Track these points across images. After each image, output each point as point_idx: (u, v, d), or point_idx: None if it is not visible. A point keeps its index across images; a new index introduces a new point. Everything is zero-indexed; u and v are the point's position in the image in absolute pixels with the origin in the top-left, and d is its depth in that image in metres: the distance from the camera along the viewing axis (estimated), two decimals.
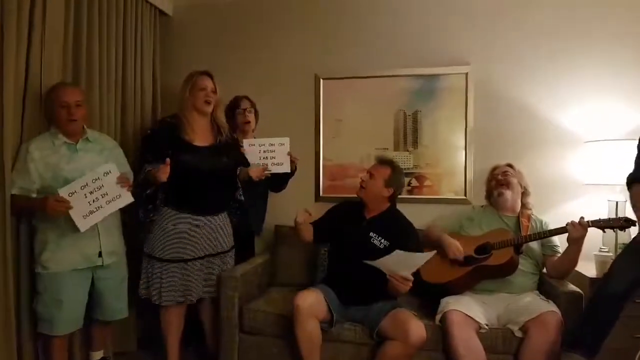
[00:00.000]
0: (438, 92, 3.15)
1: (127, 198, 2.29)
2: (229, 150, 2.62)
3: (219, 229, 2.61)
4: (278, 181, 2.93)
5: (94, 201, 2.19)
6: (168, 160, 2.36)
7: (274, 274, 3.08)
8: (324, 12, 3.29)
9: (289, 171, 2.82)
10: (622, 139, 2.69)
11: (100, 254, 2.35)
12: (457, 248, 2.55)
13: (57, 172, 2.22)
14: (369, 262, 2.25)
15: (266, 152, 2.78)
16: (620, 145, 2.63)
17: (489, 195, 2.78)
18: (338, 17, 3.27)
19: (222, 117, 2.69)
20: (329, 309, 2.36)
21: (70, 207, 2.12)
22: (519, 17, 3.04)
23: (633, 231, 2.26)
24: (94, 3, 2.71)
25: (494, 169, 2.76)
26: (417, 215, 2.99)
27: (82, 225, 2.17)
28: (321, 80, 3.28)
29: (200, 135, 2.57)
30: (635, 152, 2.19)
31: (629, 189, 2.13)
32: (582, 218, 2.36)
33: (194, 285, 2.55)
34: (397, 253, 2.21)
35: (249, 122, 2.98)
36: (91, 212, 2.19)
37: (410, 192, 3.20)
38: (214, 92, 2.57)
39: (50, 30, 2.38)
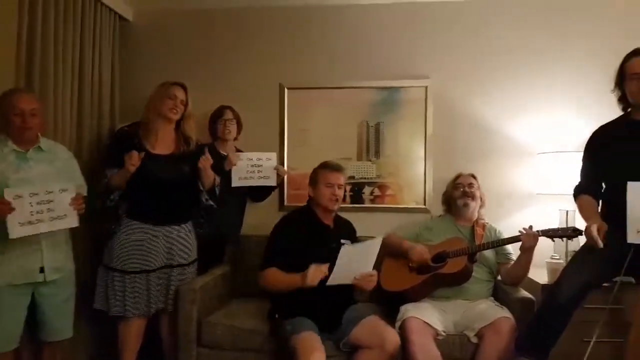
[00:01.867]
0: (399, 104, 3.22)
1: (72, 221, 2.16)
2: (192, 160, 2.58)
3: (179, 240, 2.57)
4: (261, 192, 3.05)
5: (37, 213, 2.06)
6: (136, 153, 2.33)
7: (236, 285, 3.04)
8: (289, 22, 3.31)
9: (275, 185, 2.94)
10: (573, 150, 2.81)
11: (42, 270, 2.19)
12: (422, 249, 2.59)
13: (0, 181, 2.09)
14: (329, 283, 2.24)
15: (254, 166, 2.87)
16: (571, 157, 2.75)
17: (448, 203, 2.85)
18: (304, 28, 3.30)
19: (190, 130, 2.64)
20: None
21: (11, 210, 1.99)
22: (476, 34, 3.16)
23: (583, 239, 2.36)
24: (49, 7, 2.60)
25: (458, 177, 2.83)
26: (380, 224, 3.08)
27: (14, 232, 2.01)
28: (286, 90, 3.30)
29: (162, 144, 2.54)
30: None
31: (575, 200, 2.22)
32: (530, 227, 2.45)
33: (155, 297, 2.51)
34: (346, 249, 2.21)
35: (229, 132, 2.98)
36: (29, 223, 2.04)
37: (372, 201, 3.26)
38: (184, 104, 2.56)
39: (3, 35, 2.30)
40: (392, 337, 2.23)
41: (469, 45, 3.16)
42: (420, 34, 3.20)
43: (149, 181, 2.44)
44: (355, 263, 2.27)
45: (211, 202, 2.65)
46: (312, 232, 2.49)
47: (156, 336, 2.68)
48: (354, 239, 2.62)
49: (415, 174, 3.23)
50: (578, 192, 2.20)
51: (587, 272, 2.06)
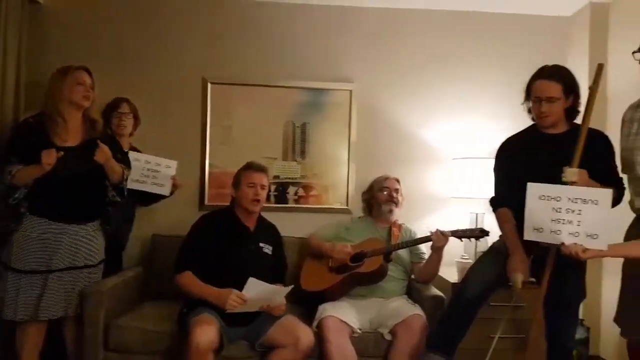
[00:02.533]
0: (325, 106, 3.26)
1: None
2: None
3: (85, 239, 2.39)
4: (150, 197, 2.82)
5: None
6: (54, 152, 2.17)
7: (148, 286, 2.91)
8: (215, 14, 3.23)
9: (167, 195, 2.75)
10: (485, 157, 2.99)
11: None
12: (343, 246, 2.63)
13: None
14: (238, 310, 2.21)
15: (150, 170, 2.70)
16: (482, 163, 2.92)
17: (369, 203, 2.91)
18: (231, 22, 3.24)
19: (95, 113, 2.48)
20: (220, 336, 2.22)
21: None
22: (399, 42, 3.28)
23: (491, 239, 2.50)
24: None
25: (384, 180, 2.88)
26: (303, 224, 3.09)
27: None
28: (209, 85, 3.21)
29: (72, 134, 2.36)
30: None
31: (494, 212, 2.31)
32: (438, 229, 2.57)
33: (55, 300, 2.31)
34: (252, 281, 2.16)
35: (124, 127, 2.82)
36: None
37: (297, 201, 3.26)
38: (92, 88, 2.40)
39: None
40: (306, 335, 2.24)
41: (392, 53, 3.27)
42: (348, 38, 3.26)
43: (58, 177, 2.26)
44: (263, 296, 2.25)
45: (117, 198, 2.47)
46: (231, 233, 2.44)
47: (61, 340, 2.49)
48: (277, 242, 2.58)
49: (339, 175, 3.27)
50: (495, 205, 2.29)
51: (492, 272, 2.18)
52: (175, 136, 3.10)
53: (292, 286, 2.35)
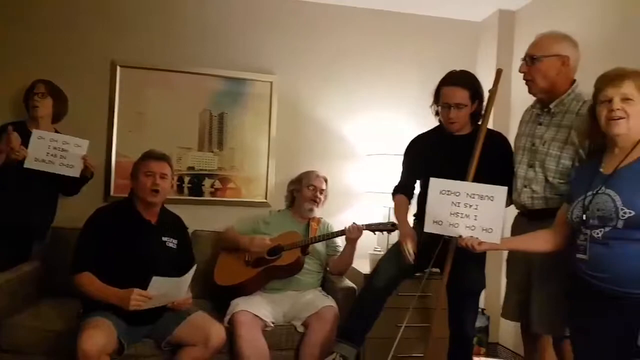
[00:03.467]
0: (245, 96, 3.19)
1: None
2: None
3: None
4: (69, 184, 2.63)
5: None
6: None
7: (48, 283, 2.69)
8: None
9: (78, 176, 2.52)
10: (398, 154, 3.06)
11: None
12: (262, 239, 2.60)
13: None
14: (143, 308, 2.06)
15: (57, 149, 2.48)
16: (395, 159, 2.99)
17: (292, 197, 2.89)
18: (144, 2, 3.06)
19: None
20: (118, 338, 2.07)
21: None
22: (320, 37, 3.28)
23: None
24: None
25: (315, 178, 2.83)
26: (219, 218, 3.01)
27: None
28: (118, 68, 3.01)
29: None
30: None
31: (393, 198, 2.41)
32: (354, 223, 2.62)
33: None
34: (156, 280, 2.01)
35: (37, 108, 2.60)
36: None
37: (213, 194, 3.17)
38: None
39: None
40: (217, 332, 2.18)
41: (314, 47, 3.27)
42: (269, 29, 3.22)
43: None
44: (169, 290, 2.12)
45: None
46: (130, 228, 2.24)
47: None
48: (182, 235, 2.43)
49: (259, 168, 3.22)
50: (395, 191, 2.40)
51: (400, 263, 2.25)
52: (80, 122, 2.87)
53: (195, 266, 2.22)
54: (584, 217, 1.58)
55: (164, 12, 3.09)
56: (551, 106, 1.96)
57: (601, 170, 1.64)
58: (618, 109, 1.55)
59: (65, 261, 2.43)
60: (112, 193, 3.02)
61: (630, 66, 1.61)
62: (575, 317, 1.70)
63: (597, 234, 1.56)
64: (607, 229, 1.53)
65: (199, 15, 3.13)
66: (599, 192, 1.57)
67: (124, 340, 2.08)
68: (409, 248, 2.11)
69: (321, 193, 2.82)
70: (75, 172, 2.51)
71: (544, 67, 1.92)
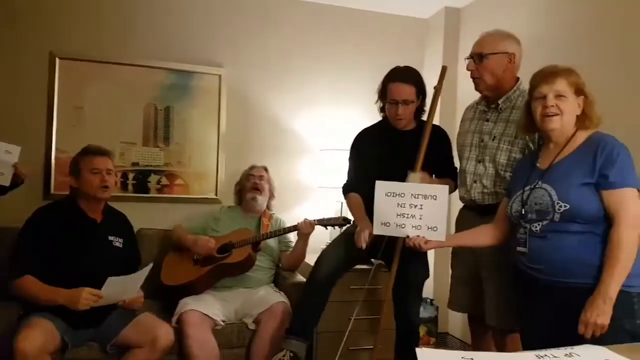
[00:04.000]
0: (192, 90, 3.10)
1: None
2: None
3: None
4: None
5: None
6: None
7: None
8: None
9: (7, 185, 2.32)
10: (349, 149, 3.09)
11: None
12: (206, 240, 2.55)
13: None
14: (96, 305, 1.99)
15: None
16: (347, 154, 3.00)
17: (240, 194, 2.85)
18: None
19: None
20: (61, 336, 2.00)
21: None
22: (269, 30, 3.24)
23: None
24: None
25: (251, 168, 2.84)
26: (167, 215, 2.93)
27: None
28: (57, 60, 2.86)
29: None
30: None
31: (344, 197, 2.43)
32: (305, 218, 2.62)
33: None
34: (111, 281, 1.96)
35: None
36: None
37: (160, 190, 3.07)
38: None
39: None
40: (164, 333, 2.12)
41: (264, 41, 3.23)
42: (218, 19, 3.14)
43: None
44: (122, 289, 2.07)
45: None
46: (75, 228, 2.17)
47: None
48: (128, 234, 2.37)
49: (208, 164, 3.15)
50: (347, 190, 2.41)
51: (342, 254, 2.29)
52: (16, 117, 2.72)
53: (152, 264, 2.17)
54: (523, 211, 1.63)
55: (106, 1, 2.95)
56: (499, 102, 2.01)
57: (537, 165, 1.69)
58: (552, 106, 1.59)
59: (1, 262, 2.31)
60: (52, 191, 2.86)
61: (567, 62, 1.66)
62: (518, 305, 1.75)
63: (536, 227, 1.61)
64: (544, 222, 1.58)
65: (144, 5, 3.02)
66: (536, 186, 1.62)
67: (67, 338, 2.00)
68: (366, 236, 2.12)
69: (261, 179, 2.78)
70: (4, 181, 2.35)
71: (491, 65, 1.97)
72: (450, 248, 2.27)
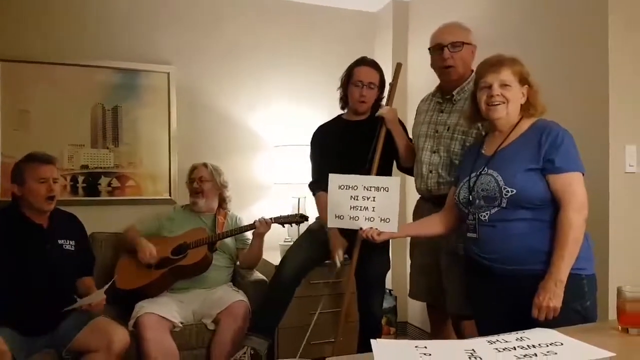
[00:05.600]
0: (140, 89, 3.03)
1: None
2: None
3: None
4: None
5: None
6: None
7: None
8: None
9: None
10: (305, 144, 3.07)
11: None
12: (149, 251, 2.48)
13: None
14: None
15: None
16: (302, 150, 3.01)
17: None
18: None
19: None
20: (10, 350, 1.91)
21: None
22: (218, 25, 3.19)
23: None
24: None
25: (191, 171, 2.78)
26: (120, 218, 2.84)
27: None
28: (0, 63, 2.75)
29: None
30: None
31: (314, 196, 2.42)
32: (262, 217, 2.60)
33: None
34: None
35: None
36: None
37: (111, 193, 2.99)
38: None
39: None
40: (119, 336, 2.07)
41: (212, 37, 3.18)
42: (164, 16, 3.07)
43: None
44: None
45: None
46: (21, 236, 2.10)
47: None
48: (79, 234, 2.31)
49: (160, 163, 3.08)
50: (314, 189, 2.41)
51: (307, 253, 2.30)
52: None
53: (112, 281, 2.20)
54: (470, 197, 1.65)
55: (48, 2, 2.84)
56: (454, 93, 2.05)
57: (483, 152, 1.72)
58: (497, 95, 1.62)
59: None
60: None
61: (515, 53, 1.69)
62: (472, 294, 1.78)
63: (484, 216, 1.62)
64: (492, 210, 1.60)
65: (87, 5, 2.91)
66: (482, 172, 1.64)
67: (18, 356, 1.93)
68: (340, 255, 2.18)
69: (201, 181, 2.71)
70: None
71: (464, 54, 2.01)
72: (408, 239, 2.31)
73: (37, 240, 2.12)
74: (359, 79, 2.26)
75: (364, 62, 2.31)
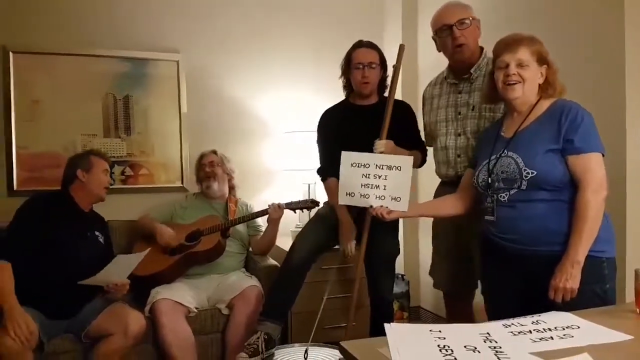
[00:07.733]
0: (149, 77, 3.03)
1: None
2: None
3: None
4: None
5: None
6: None
7: None
8: None
9: None
10: (314, 130, 3.07)
11: None
12: (168, 235, 2.52)
13: None
14: (85, 282, 2.10)
15: None
16: (312, 135, 2.99)
17: (200, 183, 2.83)
18: None
19: None
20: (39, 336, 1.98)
21: None
22: (225, 12, 3.17)
23: None
24: None
25: (201, 157, 2.81)
26: (133, 206, 2.87)
27: None
28: (11, 54, 2.77)
29: None
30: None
31: (323, 182, 2.42)
32: (273, 202, 2.61)
33: None
34: (119, 258, 2.11)
35: None
36: None
37: (124, 181, 3.02)
38: None
39: None
40: (136, 320, 2.13)
41: (220, 24, 3.16)
42: (170, 5, 3.06)
43: None
44: (117, 271, 2.16)
45: None
46: (67, 218, 2.23)
47: None
48: (107, 231, 2.45)
49: (172, 151, 3.10)
50: (323, 174, 2.41)
51: (317, 238, 2.31)
52: None
53: (149, 250, 2.30)
54: (490, 180, 1.64)
55: None
56: (472, 71, 2.00)
57: (502, 134, 1.69)
58: (514, 74, 1.58)
59: None
60: (15, 187, 2.79)
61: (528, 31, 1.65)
62: (486, 275, 1.78)
63: (503, 197, 1.60)
64: (512, 191, 1.59)
65: None
66: (502, 155, 1.62)
67: (44, 337, 2.01)
68: (352, 247, 2.21)
69: (212, 165, 2.74)
70: None
71: (472, 30, 1.96)
72: (421, 223, 2.30)
73: (81, 227, 2.27)
74: (359, 62, 2.24)
75: (360, 44, 2.30)
